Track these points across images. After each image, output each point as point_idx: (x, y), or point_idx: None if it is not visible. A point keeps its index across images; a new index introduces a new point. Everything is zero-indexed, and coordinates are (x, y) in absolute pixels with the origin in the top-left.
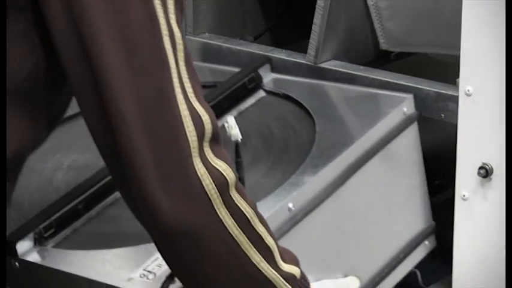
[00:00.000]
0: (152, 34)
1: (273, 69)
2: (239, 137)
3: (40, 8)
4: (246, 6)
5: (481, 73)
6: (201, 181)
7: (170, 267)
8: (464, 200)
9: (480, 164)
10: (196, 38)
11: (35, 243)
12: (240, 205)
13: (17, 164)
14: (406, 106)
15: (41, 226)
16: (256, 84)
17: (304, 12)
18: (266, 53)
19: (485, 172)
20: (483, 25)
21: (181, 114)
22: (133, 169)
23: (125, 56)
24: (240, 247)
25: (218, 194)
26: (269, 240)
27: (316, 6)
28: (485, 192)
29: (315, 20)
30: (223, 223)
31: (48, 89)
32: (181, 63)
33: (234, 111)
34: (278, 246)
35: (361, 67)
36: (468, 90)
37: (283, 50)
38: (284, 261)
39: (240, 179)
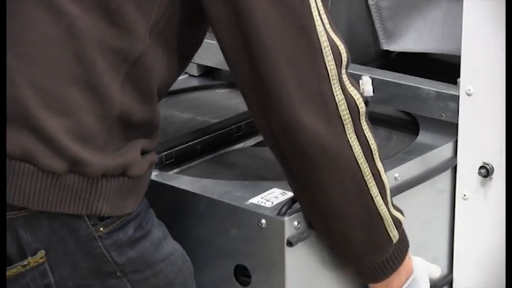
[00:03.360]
0: None
1: None
2: (371, 93)
3: None
4: None
5: (482, 73)
6: (337, 107)
7: (296, 185)
8: (465, 199)
9: (480, 164)
10: None
11: (155, 166)
12: (367, 135)
13: (159, 94)
14: None
15: (164, 153)
16: None
17: None
18: None
19: (486, 172)
20: (483, 25)
21: (322, 46)
22: (277, 96)
23: None
24: (363, 176)
25: (351, 119)
26: (384, 179)
27: None
28: (486, 192)
29: None
30: (351, 148)
31: (184, 30)
32: None
33: None
34: (390, 190)
35: (362, 67)
36: (469, 90)
37: None
38: (393, 207)
39: None
